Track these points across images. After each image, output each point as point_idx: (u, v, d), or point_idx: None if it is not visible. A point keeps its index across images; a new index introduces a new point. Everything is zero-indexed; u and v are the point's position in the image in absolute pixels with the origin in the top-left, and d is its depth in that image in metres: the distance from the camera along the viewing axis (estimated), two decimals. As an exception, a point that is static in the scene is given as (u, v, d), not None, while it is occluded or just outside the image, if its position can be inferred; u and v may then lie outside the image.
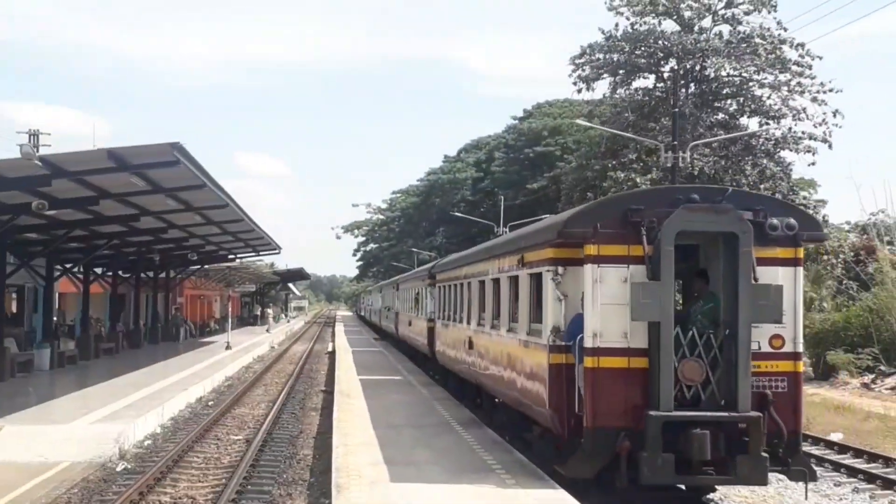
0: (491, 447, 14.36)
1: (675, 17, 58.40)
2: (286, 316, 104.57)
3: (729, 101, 58.34)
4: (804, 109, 55.42)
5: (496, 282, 15.23)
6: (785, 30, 55.29)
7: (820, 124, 55.44)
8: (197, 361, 34.00)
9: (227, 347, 41.54)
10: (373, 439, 15.17)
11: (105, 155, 16.75)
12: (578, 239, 10.88)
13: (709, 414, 10.37)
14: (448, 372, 22.81)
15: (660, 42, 57.43)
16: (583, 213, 11.46)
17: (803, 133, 56.38)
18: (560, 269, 11.33)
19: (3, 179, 17.15)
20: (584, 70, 60.60)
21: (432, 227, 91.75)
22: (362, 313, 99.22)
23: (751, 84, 57.12)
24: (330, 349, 46.82)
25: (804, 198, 67.80)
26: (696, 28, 58.31)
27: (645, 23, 58.34)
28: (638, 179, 53.92)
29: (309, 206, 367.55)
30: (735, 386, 10.32)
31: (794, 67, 55.41)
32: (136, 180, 19.44)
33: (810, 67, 55.11)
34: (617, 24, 58.35)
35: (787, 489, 14.53)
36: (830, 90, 55.82)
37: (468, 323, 18.20)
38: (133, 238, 31.06)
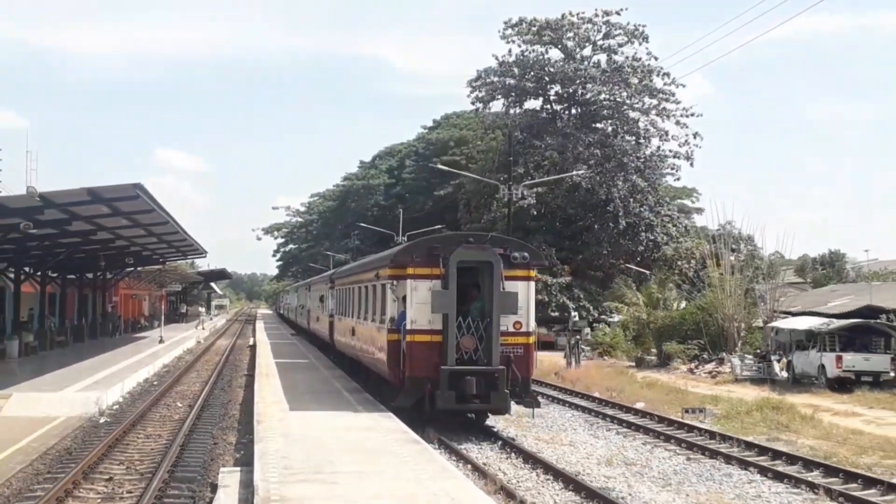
0: (362, 400, 21.36)
1: (559, 46, 66.21)
2: (209, 314, 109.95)
3: (606, 123, 66.45)
4: (666, 132, 63.95)
5: (365, 288, 22.40)
6: (656, 58, 63.35)
7: (683, 144, 64.21)
8: (137, 352, 40.17)
9: (161, 341, 47.66)
10: (282, 399, 21.87)
11: (86, 192, 23.15)
12: (404, 264, 18.05)
13: (475, 368, 17.72)
14: (342, 355, 29.91)
15: (545, 69, 65.28)
16: (406, 249, 18.80)
17: (670, 151, 65.04)
18: (394, 282, 18.51)
19: (9, 209, 23.37)
20: (480, 91, 68.36)
21: (348, 229, 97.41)
22: (281, 311, 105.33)
23: (624, 108, 65.27)
24: (251, 343, 53.15)
25: (682, 206, 76.97)
26: (578, 56, 66.22)
27: (533, 51, 66.06)
28: (524, 192, 61.18)
29: (229, 203, 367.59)
30: (491, 351, 17.64)
31: (660, 95, 63.89)
32: (103, 208, 25.88)
33: (673, 94, 63.69)
34: (510, 51, 66.01)
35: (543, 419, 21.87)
36: (692, 115, 64.30)
37: (352, 316, 25.35)
38: (86, 247, 37.15)
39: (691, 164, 64.81)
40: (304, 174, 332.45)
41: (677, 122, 63.95)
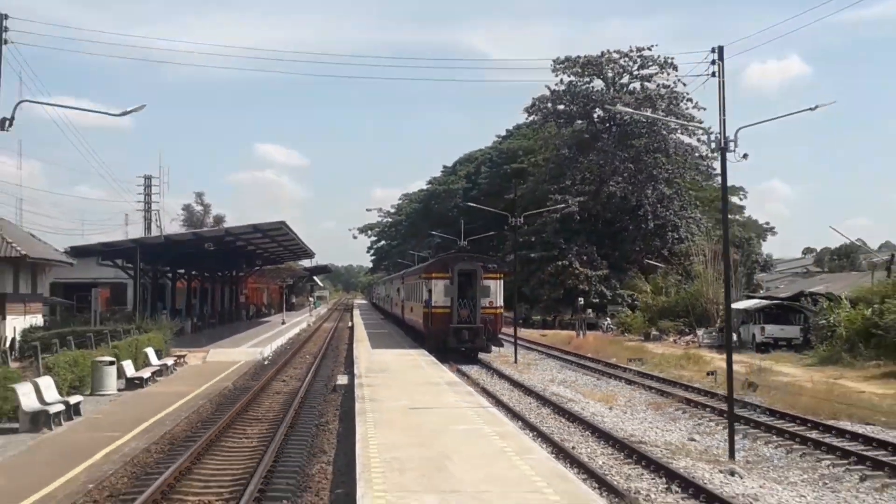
0: (411, 344, 36.19)
1: (601, 76, 79.49)
2: (315, 304, 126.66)
3: (640, 140, 79.48)
4: (691, 147, 76.82)
5: (414, 284, 37.34)
6: (684, 84, 75.38)
7: (704, 159, 77.00)
8: (269, 330, 55.76)
9: (283, 322, 63.35)
10: (368, 347, 36.76)
11: (252, 228, 38.46)
12: (430, 271, 32.96)
13: (468, 325, 32.65)
14: (404, 324, 45.07)
15: (590, 96, 78.76)
16: (431, 264, 34.02)
17: (701, 157, 77.82)
18: (426, 281, 33.33)
19: (205, 238, 38.80)
20: (535, 116, 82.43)
21: (431, 228, 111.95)
22: (374, 300, 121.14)
23: (655, 127, 78.19)
24: (350, 325, 68.51)
25: (731, 203, 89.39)
26: (617, 84, 79.43)
27: (580, 81, 79.51)
28: (569, 200, 75.02)
29: (326, 196, 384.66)
30: (476, 317, 32.46)
31: (683, 117, 76.62)
32: (258, 234, 41.25)
33: (694, 118, 76.38)
34: (561, 80, 79.60)
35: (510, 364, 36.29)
36: (711, 132, 77.07)
37: (409, 300, 40.32)
38: (231, 256, 52.88)
39: (710, 177, 77.52)
40: (398, 165, 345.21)
41: (698, 140, 76.65)
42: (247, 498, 12.68)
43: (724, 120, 18.42)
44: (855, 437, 19.34)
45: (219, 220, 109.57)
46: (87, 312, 43.97)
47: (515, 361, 36.45)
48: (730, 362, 18.69)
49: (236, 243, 42.71)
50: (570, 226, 76.34)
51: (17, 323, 39.60)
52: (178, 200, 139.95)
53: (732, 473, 15.79)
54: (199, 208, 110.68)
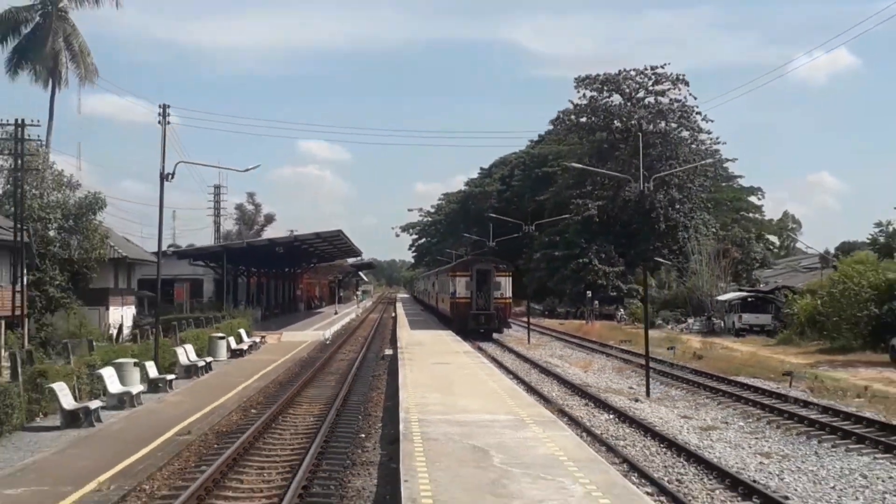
0: (440, 326, 45.65)
1: (619, 92, 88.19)
2: (361, 298, 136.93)
3: (654, 150, 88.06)
4: (701, 154, 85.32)
5: (444, 280, 46.88)
6: (695, 98, 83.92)
7: (712, 166, 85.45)
8: (325, 318, 65.54)
9: (336, 313, 73.15)
10: (410, 332, 46.22)
11: (315, 235, 48.13)
12: (455, 270, 42.62)
13: (484, 311, 42.55)
14: (437, 312, 54.69)
15: (609, 109, 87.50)
16: (457, 265, 43.69)
17: (720, 161, 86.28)
18: (454, 278, 42.91)
19: (277, 243, 48.55)
20: (559, 127, 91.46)
21: (468, 227, 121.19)
22: (415, 294, 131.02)
23: (669, 137, 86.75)
24: (394, 315, 78.16)
25: (738, 205, 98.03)
26: (634, 99, 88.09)
27: (601, 96, 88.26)
28: (589, 204, 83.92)
29: (368, 191, 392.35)
30: (489, 305, 42.15)
31: (693, 129, 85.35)
32: (318, 239, 50.92)
33: (701, 129, 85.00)
34: (584, 94, 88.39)
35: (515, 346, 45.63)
36: (720, 142, 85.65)
37: (441, 292, 49.80)
38: (292, 256, 62.67)
39: (718, 181, 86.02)
40: (440, 160, 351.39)
41: (706, 150, 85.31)
42: (336, 405, 22.07)
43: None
44: (736, 384, 28.31)
45: (269, 218, 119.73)
46: (170, 304, 53.97)
47: (529, 342, 45.66)
48: (647, 335, 27.85)
49: (301, 247, 52.42)
50: (590, 227, 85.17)
51: (118, 313, 49.55)
52: (231, 199, 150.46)
53: (636, 401, 24.93)
54: (250, 207, 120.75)
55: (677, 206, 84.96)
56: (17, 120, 33.78)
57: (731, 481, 14.49)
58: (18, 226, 32.41)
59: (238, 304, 54.74)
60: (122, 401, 20.93)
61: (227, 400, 22.93)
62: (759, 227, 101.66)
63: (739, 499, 13.70)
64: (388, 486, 13.44)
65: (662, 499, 13.49)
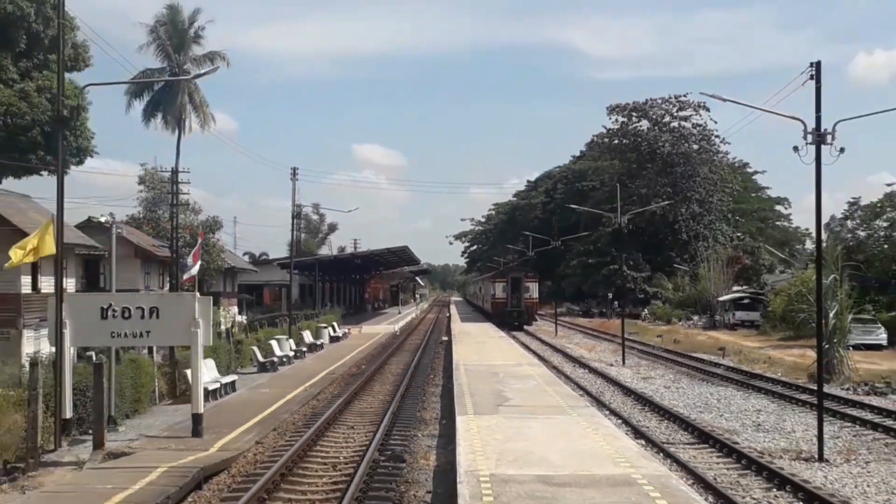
0: (483, 319, 58.46)
1: (646, 117, 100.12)
2: (419, 301, 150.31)
3: (678, 168, 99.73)
4: (720, 175, 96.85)
5: (487, 284, 59.82)
6: (715, 122, 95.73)
7: (728, 184, 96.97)
8: (391, 317, 78.59)
9: (399, 312, 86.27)
10: (461, 325, 59.04)
11: (387, 250, 61.22)
12: (495, 277, 55.66)
13: (516, 309, 56.10)
14: (482, 311, 67.63)
15: (637, 133, 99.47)
16: (496, 273, 56.73)
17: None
18: (494, 283, 55.90)
19: (357, 255, 61.73)
20: (594, 151, 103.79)
21: (515, 236, 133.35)
22: (467, 297, 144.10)
23: (690, 159, 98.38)
24: (448, 315, 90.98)
25: (765, 215, 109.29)
26: (660, 124, 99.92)
27: (630, 122, 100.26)
28: (613, 218, 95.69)
29: (423, 195, 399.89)
30: (520, 303, 55.12)
31: (711, 152, 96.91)
32: (388, 253, 63.99)
33: (722, 151, 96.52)
34: (616, 119, 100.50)
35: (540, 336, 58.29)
36: (740, 163, 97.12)
37: (486, 294, 62.66)
38: (362, 265, 75.86)
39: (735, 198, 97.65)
40: (496, 163, 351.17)
41: (722, 168, 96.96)
42: (411, 370, 34.78)
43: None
44: (689, 357, 40.53)
45: (332, 227, 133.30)
46: (260, 305, 67.52)
47: (556, 334, 58.07)
48: (623, 325, 40.38)
49: (373, 258, 65.46)
50: (620, 237, 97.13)
51: (225, 312, 62.82)
52: (281, 202, 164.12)
53: (611, 365, 37.39)
54: (315, 217, 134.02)
55: (698, 219, 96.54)
56: (172, 168, 47.17)
57: (634, 395, 26.98)
58: (172, 246, 45.83)
59: (325, 304, 67.98)
60: (283, 361, 34.06)
61: (344, 362, 36.07)
62: (785, 234, 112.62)
63: (631, 399, 26.24)
64: (448, 385, 26.28)
65: (581, 392, 26.06)
